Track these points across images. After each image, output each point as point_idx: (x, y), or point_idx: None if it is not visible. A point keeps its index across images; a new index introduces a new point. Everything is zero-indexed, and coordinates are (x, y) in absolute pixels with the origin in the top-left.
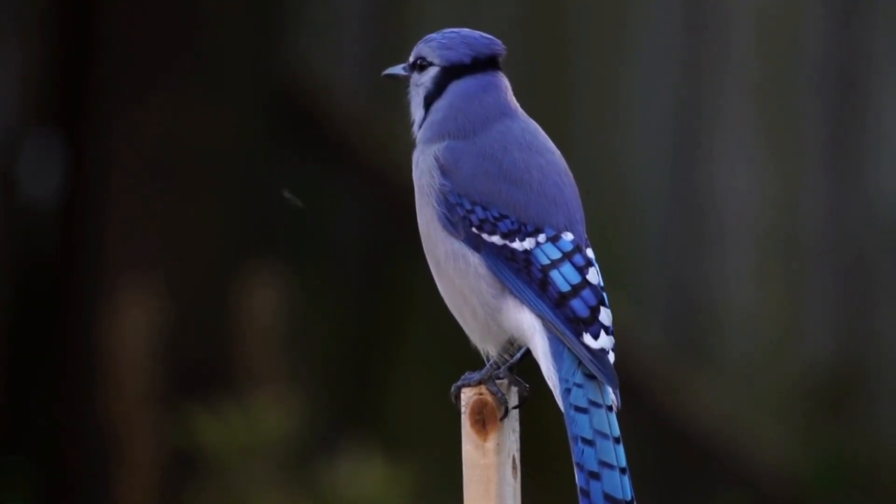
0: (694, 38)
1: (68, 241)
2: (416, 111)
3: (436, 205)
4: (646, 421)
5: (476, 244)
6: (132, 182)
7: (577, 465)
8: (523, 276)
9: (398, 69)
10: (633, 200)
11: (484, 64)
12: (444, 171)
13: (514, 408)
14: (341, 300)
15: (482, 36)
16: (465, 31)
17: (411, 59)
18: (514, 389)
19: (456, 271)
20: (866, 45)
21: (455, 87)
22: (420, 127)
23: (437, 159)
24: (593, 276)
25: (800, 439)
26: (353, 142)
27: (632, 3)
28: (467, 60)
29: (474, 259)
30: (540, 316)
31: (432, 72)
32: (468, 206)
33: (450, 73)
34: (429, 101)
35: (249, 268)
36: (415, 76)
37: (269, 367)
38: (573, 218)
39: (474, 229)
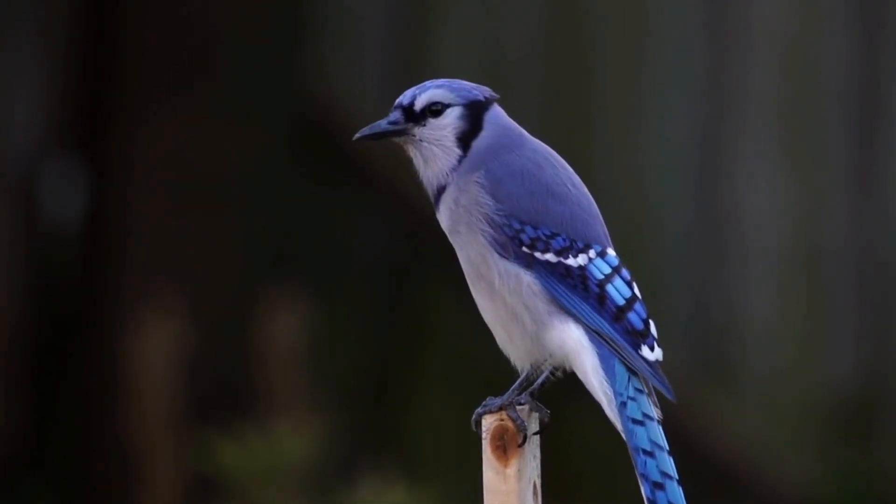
0: (716, 54)
1: (90, 263)
2: (445, 156)
3: (487, 229)
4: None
5: (527, 263)
6: (154, 204)
7: (642, 475)
8: (579, 291)
9: (385, 124)
10: (655, 216)
11: (487, 101)
12: (489, 194)
13: (535, 433)
14: (363, 324)
15: (462, 81)
16: (443, 79)
17: (417, 108)
18: (535, 415)
19: (509, 290)
20: (887, 61)
21: (491, 118)
22: (456, 167)
23: (481, 185)
24: (636, 289)
25: (821, 459)
26: (375, 163)
27: (653, 18)
28: (481, 97)
29: (527, 277)
30: (596, 331)
31: (455, 112)
32: (517, 226)
33: (471, 111)
34: (465, 139)
35: (271, 291)
36: (421, 127)
37: (291, 391)
38: (606, 231)
39: (525, 249)
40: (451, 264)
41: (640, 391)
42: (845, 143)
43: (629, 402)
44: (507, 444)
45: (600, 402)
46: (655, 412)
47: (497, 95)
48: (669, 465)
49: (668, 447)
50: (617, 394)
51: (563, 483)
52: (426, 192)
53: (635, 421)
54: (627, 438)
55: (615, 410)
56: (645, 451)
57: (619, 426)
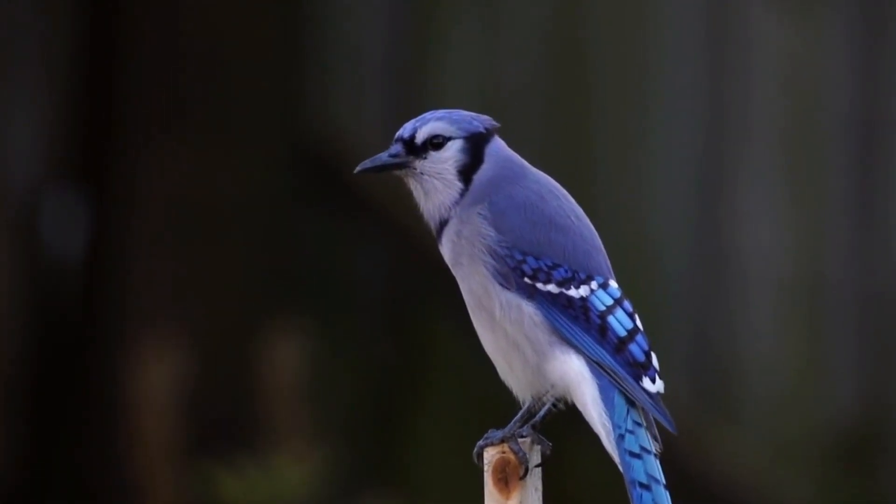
0: (717, 89)
1: (92, 296)
2: (446, 189)
3: (489, 260)
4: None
5: (529, 293)
6: (155, 236)
7: None
8: (581, 322)
9: (386, 157)
10: (656, 251)
11: (488, 132)
12: (492, 225)
13: (537, 466)
14: (365, 354)
15: (463, 112)
16: (443, 111)
17: (418, 141)
18: (537, 448)
19: (511, 321)
20: (890, 96)
21: (492, 151)
22: (458, 201)
23: (484, 217)
24: (638, 321)
25: (823, 489)
26: (376, 193)
27: (655, 49)
28: (482, 129)
29: (529, 308)
30: (597, 362)
31: (456, 145)
32: (519, 257)
33: (472, 143)
34: (466, 172)
35: (273, 321)
36: (422, 160)
37: (292, 422)
38: (608, 262)
39: (527, 279)
40: (452, 295)
41: (639, 424)
42: (846, 175)
43: (627, 435)
44: (508, 477)
45: (599, 434)
46: (654, 445)
47: (498, 125)
48: (665, 499)
49: (664, 481)
50: (615, 426)
51: None
52: (427, 224)
53: (633, 454)
54: (624, 471)
55: (613, 443)
56: (641, 485)
57: (616, 458)
